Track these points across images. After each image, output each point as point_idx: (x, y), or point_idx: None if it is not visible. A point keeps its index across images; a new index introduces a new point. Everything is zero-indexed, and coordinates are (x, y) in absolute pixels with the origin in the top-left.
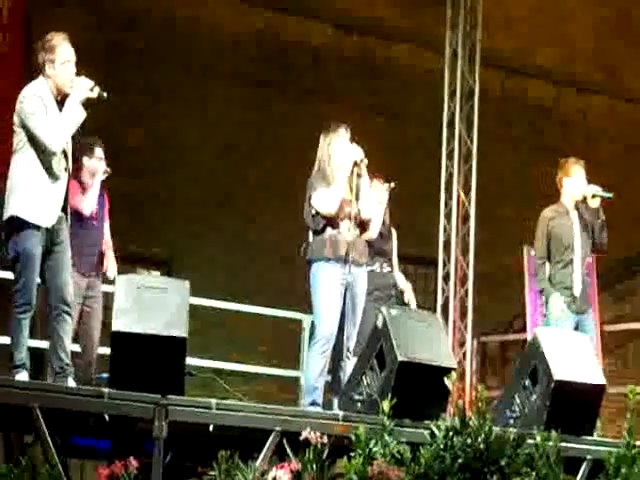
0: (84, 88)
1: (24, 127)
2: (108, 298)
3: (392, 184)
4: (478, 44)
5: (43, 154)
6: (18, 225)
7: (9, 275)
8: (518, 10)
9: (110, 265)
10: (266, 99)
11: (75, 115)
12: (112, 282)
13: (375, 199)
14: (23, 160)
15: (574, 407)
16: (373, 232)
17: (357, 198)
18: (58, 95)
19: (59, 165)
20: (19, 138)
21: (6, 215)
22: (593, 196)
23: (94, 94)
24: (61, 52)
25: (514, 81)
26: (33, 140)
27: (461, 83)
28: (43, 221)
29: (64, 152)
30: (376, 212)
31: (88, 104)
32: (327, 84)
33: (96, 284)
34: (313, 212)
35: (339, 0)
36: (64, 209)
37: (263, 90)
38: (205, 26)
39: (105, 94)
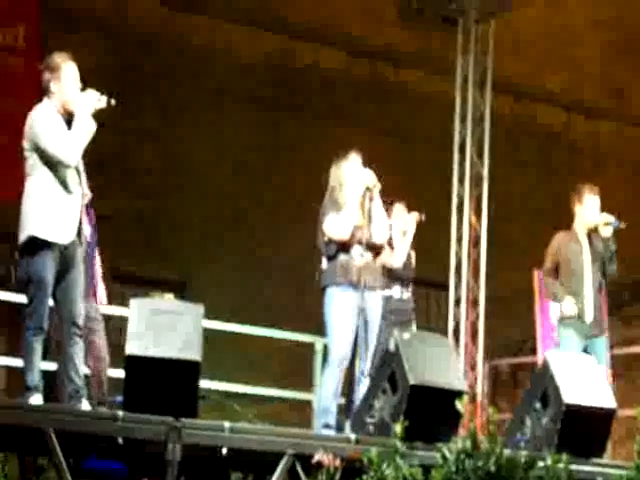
0: (92, 100)
1: (36, 148)
2: (121, 321)
3: (423, 216)
4: (489, 70)
5: (58, 170)
6: (34, 247)
7: (22, 298)
8: (527, 35)
9: (100, 293)
10: (278, 122)
11: (86, 127)
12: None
13: (400, 228)
14: (37, 180)
15: (584, 430)
16: (398, 261)
17: (369, 222)
18: (65, 114)
19: (73, 180)
20: (32, 160)
21: (23, 236)
22: (605, 224)
23: (102, 103)
24: (65, 70)
25: (523, 106)
26: (47, 158)
27: (472, 108)
28: (60, 238)
29: (76, 168)
30: (402, 242)
31: (106, 127)
32: (338, 107)
33: (90, 307)
34: (326, 239)
35: (349, 25)
36: (79, 233)
37: (275, 113)
38: (218, 50)
39: (113, 101)
